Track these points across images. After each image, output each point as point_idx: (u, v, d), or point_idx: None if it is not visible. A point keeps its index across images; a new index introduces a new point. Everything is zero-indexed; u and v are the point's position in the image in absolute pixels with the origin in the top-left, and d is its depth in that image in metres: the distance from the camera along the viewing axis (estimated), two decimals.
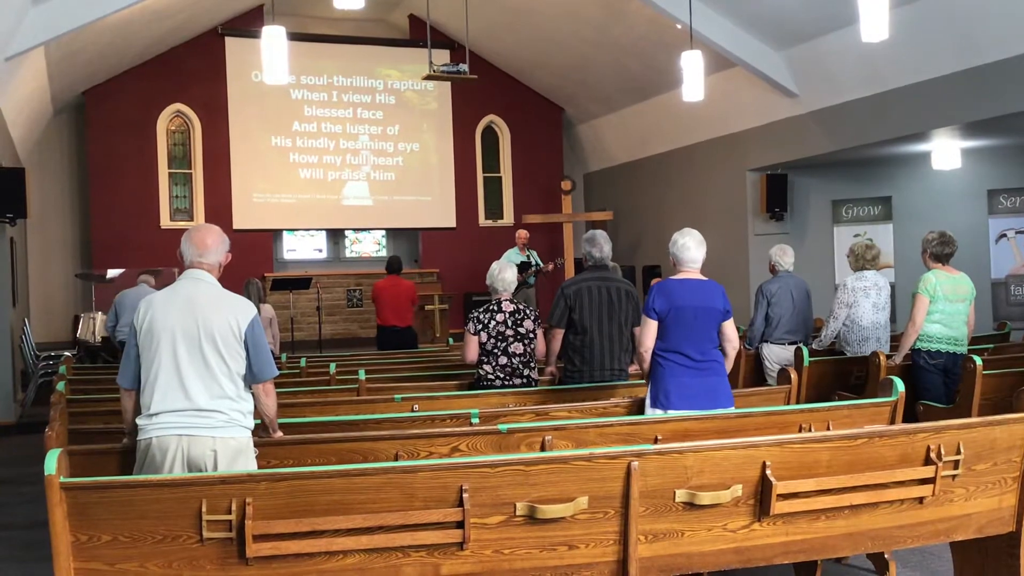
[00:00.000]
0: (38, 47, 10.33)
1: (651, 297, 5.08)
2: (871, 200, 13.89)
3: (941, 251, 6.76)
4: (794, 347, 7.43)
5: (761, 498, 3.70)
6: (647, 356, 5.10)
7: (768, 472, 3.68)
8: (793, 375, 5.80)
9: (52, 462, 3.14)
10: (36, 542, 5.94)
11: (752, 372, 7.93)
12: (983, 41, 9.71)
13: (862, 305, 7.48)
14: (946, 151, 12.50)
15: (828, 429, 4.64)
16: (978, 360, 6.22)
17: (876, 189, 13.80)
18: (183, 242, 4.09)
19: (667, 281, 5.14)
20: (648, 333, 5.07)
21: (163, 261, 13.15)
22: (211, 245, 4.08)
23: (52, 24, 9.89)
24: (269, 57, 9.01)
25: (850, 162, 13.40)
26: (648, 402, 5.11)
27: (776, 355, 7.70)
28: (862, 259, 7.59)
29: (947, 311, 6.64)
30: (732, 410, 4.96)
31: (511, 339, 6.23)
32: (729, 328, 5.18)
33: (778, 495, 3.67)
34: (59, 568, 3.16)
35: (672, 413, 4.93)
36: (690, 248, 5.14)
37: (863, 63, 11.14)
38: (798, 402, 5.86)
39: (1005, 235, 12.92)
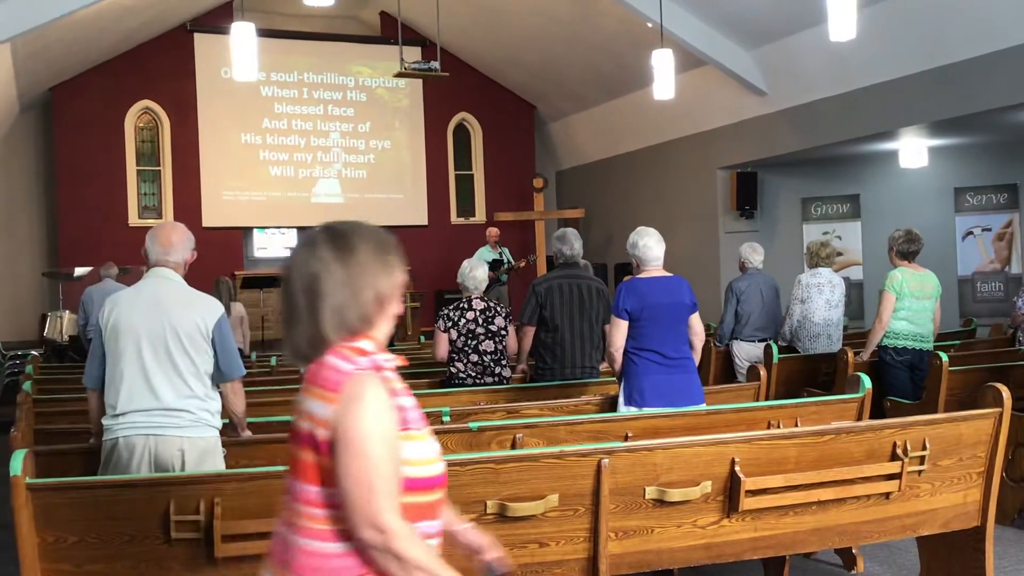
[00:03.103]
0: (4, 43, 10.20)
1: (620, 297, 5.09)
2: (840, 198, 14.01)
3: (907, 249, 6.82)
4: (763, 344, 7.48)
5: (730, 494, 3.73)
6: (618, 356, 5.13)
7: (737, 468, 3.70)
8: (762, 372, 5.84)
9: (18, 463, 3.11)
10: (2, 544, 5.87)
11: (722, 369, 7.98)
12: (950, 41, 9.81)
13: (815, 301, 7.56)
14: (913, 149, 12.63)
15: (796, 425, 4.68)
16: (944, 356, 6.28)
17: (844, 187, 13.92)
18: (148, 240, 4.05)
19: (635, 280, 5.16)
20: (619, 333, 5.09)
21: (132, 259, 12.88)
22: (176, 243, 4.04)
23: (18, 20, 9.76)
24: (238, 54, 8.96)
25: (819, 160, 13.50)
26: (621, 400, 5.13)
27: (746, 352, 7.76)
28: (816, 256, 7.70)
29: (913, 308, 6.70)
30: (703, 407, 4.99)
31: (482, 337, 6.22)
32: (695, 321, 5.24)
33: (747, 491, 3.70)
34: (26, 569, 3.13)
35: (645, 411, 4.95)
36: (652, 247, 5.16)
37: (832, 62, 11.22)
38: (767, 399, 5.90)
39: (972, 233, 13.06)
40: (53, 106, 15.40)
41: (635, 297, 5.05)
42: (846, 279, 10.13)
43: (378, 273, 2.06)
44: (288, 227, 17.74)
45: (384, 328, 2.10)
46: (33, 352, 11.15)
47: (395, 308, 2.11)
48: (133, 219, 15.89)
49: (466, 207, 18.30)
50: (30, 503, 3.11)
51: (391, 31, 15.25)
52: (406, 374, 7.63)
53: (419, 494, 1.99)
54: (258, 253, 17.82)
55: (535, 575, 3.53)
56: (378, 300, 2.06)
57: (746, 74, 12.51)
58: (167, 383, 3.83)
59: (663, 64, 10.31)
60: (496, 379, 6.24)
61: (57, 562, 3.16)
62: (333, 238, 2.08)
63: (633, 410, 4.98)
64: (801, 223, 14.20)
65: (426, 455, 2.03)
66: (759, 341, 7.70)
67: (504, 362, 6.34)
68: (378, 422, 1.92)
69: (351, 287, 2.02)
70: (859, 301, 13.51)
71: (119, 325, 3.86)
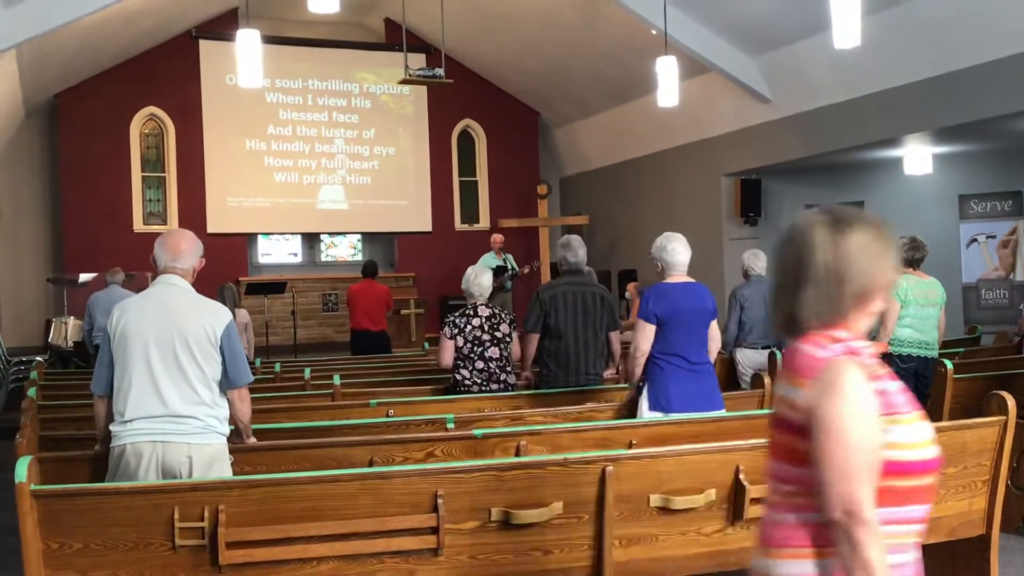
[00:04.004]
0: (9, 49, 10.23)
1: (649, 301, 5.11)
2: (843, 205, 13.98)
3: (912, 256, 6.82)
4: (767, 351, 7.47)
5: (734, 502, 3.72)
6: (642, 360, 5.12)
7: (741, 476, 3.70)
8: (766, 379, 5.83)
9: (23, 469, 3.12)
10: (6, 549, 5.87)
11: (725, 376, 7.97)
12: (954, 48, 9.81)
13: None
14: (918, 157, 12.62)
15: None
16: (949, 364, 6.28)
17: (848, 194, 13.90)
18: (156, 247, 4.05)
19: (662, 285, 5.18)
20: (645, 337, 5.08)
21: (136, 265, 13.01)
22: (185, 250, 4.04)
23: (24, 27, 9.79)
24: (243, 60, 8.99)
25: (823, 167, 13.50)
26: (645, 405, 5.11)
27: (749, 359, 7.74)
28: None
29: (918, 315, 6.69)
30: (711, 414, 4.99)
31: (487, 344, 6.22)
32: (714, 328, 5.28)
33: (751, 499, 3.69)
34: None
35: (656, 416, 4.96)
36: (679, 252, 5.21)
37: (836, 69, 11.23)
38: (771, 406, 5.88)
39: (976, 240, 13.05)
40: (58, 112, 15.43)
41: (665, 301, 5.07)
42: None
43: (866, 268, 2.02)
44: (292, 233, 17.78)
45: (862, 323, 2.06)
46: (38, 358, 11.15)
47: (878, 305, 2.06)
48: (138, 225, 15.92)
49: (470, 214, 18.30)
50: (34, 509, 3.12)
51: (396, 38, 15.28)
52: (408, 380, 7.65)
53: (909, 478, 1.97)
54: (262, 259, 17.86)
55: None
56: (859, 295, 2.02)
57: (750, 81, 12.52)
58: (175, 390, 3.83)
59: (667, 71, 10.32)
60: (501, 386, 6.24)
61: (61, 568, 3.16)
62: (830, 223, 2.08)
63: (659, 415, 5.00)
64: None
65: (916, 438, 2.00)
66: (763, 348, 7.69)
67: (509, 369, 6.34)
68: (855, 407, 1.92)
69: (834, 278, 2.01)
70: None
71: (128, 332, 3.87)
